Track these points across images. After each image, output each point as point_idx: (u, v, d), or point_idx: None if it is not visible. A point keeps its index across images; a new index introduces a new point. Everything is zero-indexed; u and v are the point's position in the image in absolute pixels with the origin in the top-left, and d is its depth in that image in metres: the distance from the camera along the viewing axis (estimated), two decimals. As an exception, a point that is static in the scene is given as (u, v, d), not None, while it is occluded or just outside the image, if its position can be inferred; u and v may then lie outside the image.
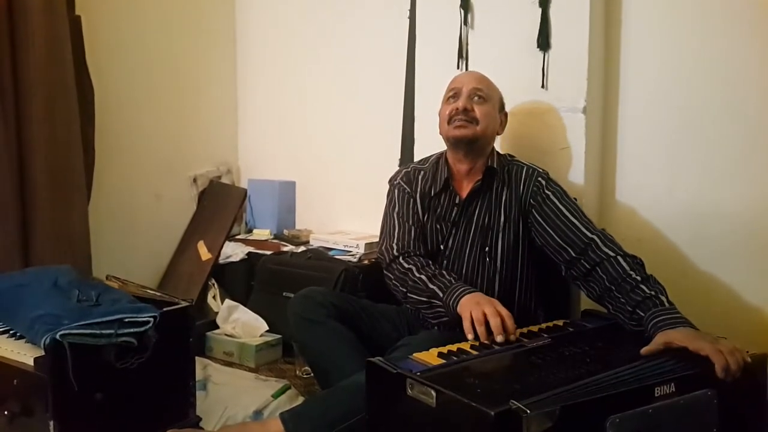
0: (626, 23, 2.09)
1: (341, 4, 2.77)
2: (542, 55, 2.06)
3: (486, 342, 1.50)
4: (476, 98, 1.82)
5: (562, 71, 2.05)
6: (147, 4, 2.74)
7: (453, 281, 1.69)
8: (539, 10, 2.05)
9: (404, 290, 1.77)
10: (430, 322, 1.83)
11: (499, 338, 1.49)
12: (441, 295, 1.67)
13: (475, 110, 1.80)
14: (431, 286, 1.70)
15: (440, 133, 1.88)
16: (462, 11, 2.20)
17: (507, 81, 2.04)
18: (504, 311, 1.54)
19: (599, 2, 2.05)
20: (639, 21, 2.07)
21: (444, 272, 1.74)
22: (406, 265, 1.78)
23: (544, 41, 2.05)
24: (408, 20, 2.49)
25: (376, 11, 2.66)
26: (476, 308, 1.55)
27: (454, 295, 1.63)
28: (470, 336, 1.52)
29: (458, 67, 2.20)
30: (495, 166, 1.84)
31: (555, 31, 2.05)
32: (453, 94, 1.85)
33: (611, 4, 2.09)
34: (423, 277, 1.73)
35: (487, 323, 1.52)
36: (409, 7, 2.49)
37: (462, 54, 2.21)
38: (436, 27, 2.28)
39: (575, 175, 2.04)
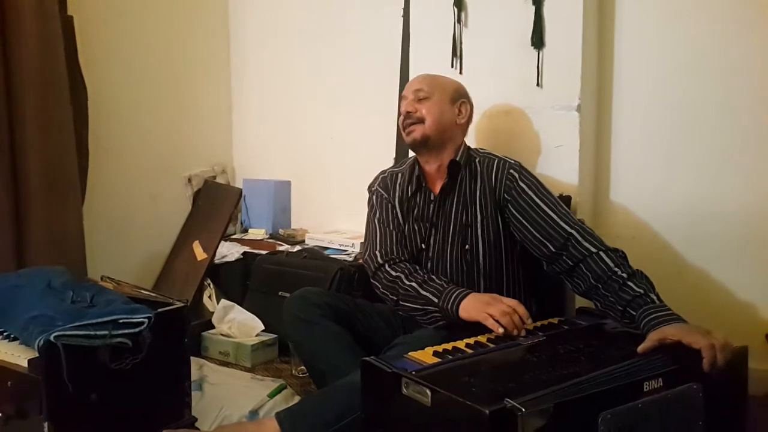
0: (620, 21, 2.10)
1: (335, 3, 2.77)
2: (536, 54, 2.07)
3: (513, 333, 1.53)
4: (419, 100, 1.85)
5: (556, 69, 2.05)
6: (140, 3, 2.73)
7: (445, 285, 1.70)
8: (533, 8, 2.05)
9: (395, 298, 1.78)
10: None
11: (523, 332, 1.54)
12: (436, 300, 1.68)
13: (418, 110, 1.84)
14: (423, 292, 1.70)
15: None
16: (455, 9, 2.20)
17: (501, 79, 2.05)
18: (512, 301, 1.58)
19: (593, 0, 2.06)
20: (633, 19, 2.08)
21: (433, 277, 1.75)
22: (393, 273, 1.79)
23: (538, 39, 2.06)
24: (402, 19, 2.49)
25: (370, 10, 2.65)
26: (491, 308, 1.57)
27: (451, 299, 1.64)
28: (501, 330, 1.54)
29: (452, 66, 2.21)
30: (458, 159, 1.84)
31: (549, 29, 2.05)
32: (401, 103, 1.90)
33: (605, 1, 2.10)
34: (413, 284, 1.73)
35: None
36: (402, 5, 2.49)
37: (456, 52, 2.21)
38: (430, 25, 2.29)
39: (569, 173, 2.05)
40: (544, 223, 1.73)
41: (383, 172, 2.01)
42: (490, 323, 1.56)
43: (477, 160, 1.86)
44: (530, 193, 1.77)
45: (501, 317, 1.55)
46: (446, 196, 1.85)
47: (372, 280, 1.86)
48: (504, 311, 1.55)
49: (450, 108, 1.88)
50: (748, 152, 1.93)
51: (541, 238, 1.72)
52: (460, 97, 1.91)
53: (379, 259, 1.84)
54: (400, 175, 1.94)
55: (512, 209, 1.78)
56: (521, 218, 1.76)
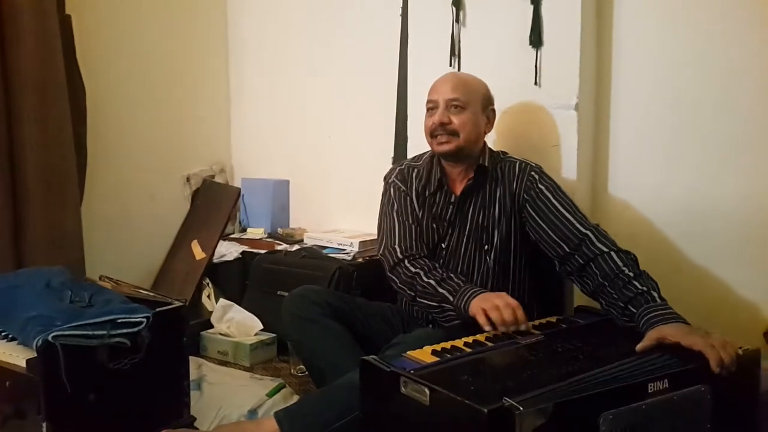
0: (618, 19, 2.09)
1: (334, 2, 2.76)
2: (535, 52, 2.06)
3: (503, 330, 1.52)
4: (453, 108, 1.80)
5: (554, 68, 2.05)
6: (138, 2, 2.73)
7: (462, 284, 1.70)
8: (531, 7, 2.05)
9: (413, 294, 1.77)
10: (424, 320, 1.84)
11: (512, 328, 1.52)
12: (451, 299, 1.67)
13: (453, 122, 1.79)
14: (441, 290, 1.70)
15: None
16: (454, 9, 2.19)
17: (500, 78, 2.04)
18: (513, 302, 1.57)
19: (591, -2, 2.06)
20: (631, 17, 2.07)
21: (452, 275, 1.74)
22: (412, 269, 1.78)
23: (536, 38, 2.05)
24: (400, 18, 2.49)
25: (369, 9, 2.65)
26: (486, 303, 1.57)
27: (465, 298, 1.64)
28: (488, 328, 1.54)
29: (450, 65, 2.20)
30: (486, 164, 1.84)
31: (547, 28, 2.05)
32: (431, 106, 1.84)
33: (603, 0, 2.09)
34: (432, 281, 1.73)
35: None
36: (401, 5, 2.49)
37: (454, 52, 2.21)
38: (429, 25, 2.28)
39: (568, 171, 2.05)
40: (560, 224, 1.73)
41: (399, 163, 1.99)
42: (480, 319, 1.56)
43: (499, 163, 1.86)
44: (548, 194, 1.78)
45: (491, 311, 1.55)
46: (466, 198, 1.85)
47: (389, 274, 1.85)
48: (495, 306, 1.55)
49: (482, 117, 1.85)
50: (747, 150, 1.93)
51: (556, 238, 1.73)
52: (489, 104, 1.89)
53: (398, 254, 1.82)
54: (416, 169, 1.92)
55: (530, 209, 1.78)
56: (538, 219, 1.77)
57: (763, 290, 1.92)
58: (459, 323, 1.68)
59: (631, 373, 1.26)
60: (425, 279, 1.74)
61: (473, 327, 1.58)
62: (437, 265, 1.79)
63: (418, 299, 1.76)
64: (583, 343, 1.45)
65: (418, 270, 1.77)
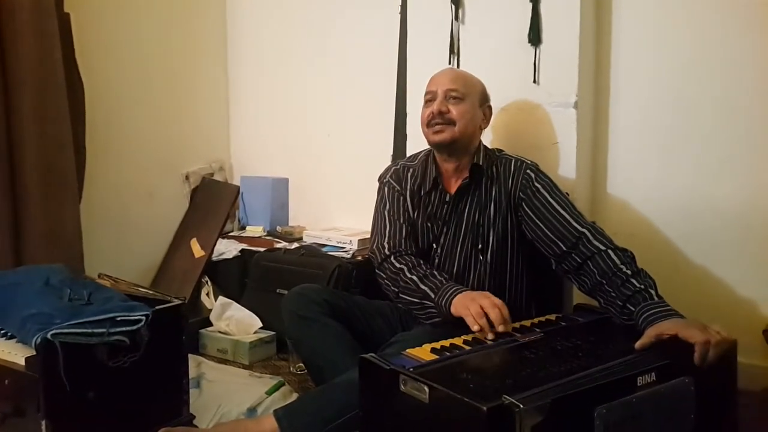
0: (617, 17, 2.10)
1: (333, 0, 2.76)
2: (533, 50, 2.06)
3: (489, 334, 1.51)
4: (452, 99, 1.80)
5: (553, 66, 2.05)
6: (137, 0, 2.72)
7: (444, 281, 1.69)
8: (530, 5, 2.05)
9: (396, 290, 1.77)
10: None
11: (500, 329, 1.51)
12: (432, 296, 1.67)
13: (451, 111, 1.79)
14: (422, 287, 1.70)
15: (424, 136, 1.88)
16: (453, 6, 2.19)
17: (498, 76, 2.05)
18: (497, 301, 1.56)
19: (590, -4, 2.06)
20: (630, 15, 2.08)
21: (435, 272, 1.74)
22: (397, 265, 1.78)
23: (535, 36, 2.05)
24: (399, 16, 2.49)
25: (368, 7, 2.65)
26: (472, 304, 1.56)
27: (446, 296, 1.64)
28: (476, 328, 1.53)
29: (449, 63, 2.20)
30: (481, 163, 1.83)
31: (546, 26, 2.05)
32: (429, 98, 1.84)
33: (602, -2, 2.10)
34: (414, 277, 1.73)
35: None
36: (400, 2, 2.49)
37: (453, 49, 2.21)
38: (428, 22, 2.28)
39: (567, 170, 2.05)
40: (557, 222, 1.72)
41: (395, 163, 1.99)
42: (469, 321, 1.55)
43: (495, 161, 1.85)
44: (544, 193, 1.77)
45: (478, 318, 1.53)
46: (462, 197, 1.84)
47: (377, 271, 1.85)
48: (480, 313, 1.54)
49: (479, 111, 1.85)
50: (746, 148, 1.93)
51: (552, 237, 1.72)
52: (486, 101, 1.89)
53: (386, 250, 1.83)
54: (411, 169, 1.92)
55: (526, 208, 1.78)
56: (534, 217, 1.76)
57: (761, 288, 1.93)
58: (440, 321, 1.68)
59: (622, 367, 1.27)
60: (408, 275, 1.74)
61: (459, 326, 1.58)
62: (422, 262, 1.79)
63: (400, 295, 1.76)
64: (582, 341, 1.45)
65: (402, 266, 1.77)
